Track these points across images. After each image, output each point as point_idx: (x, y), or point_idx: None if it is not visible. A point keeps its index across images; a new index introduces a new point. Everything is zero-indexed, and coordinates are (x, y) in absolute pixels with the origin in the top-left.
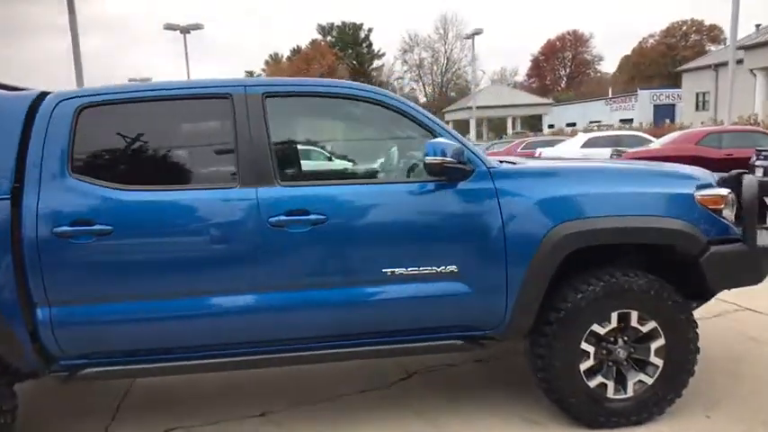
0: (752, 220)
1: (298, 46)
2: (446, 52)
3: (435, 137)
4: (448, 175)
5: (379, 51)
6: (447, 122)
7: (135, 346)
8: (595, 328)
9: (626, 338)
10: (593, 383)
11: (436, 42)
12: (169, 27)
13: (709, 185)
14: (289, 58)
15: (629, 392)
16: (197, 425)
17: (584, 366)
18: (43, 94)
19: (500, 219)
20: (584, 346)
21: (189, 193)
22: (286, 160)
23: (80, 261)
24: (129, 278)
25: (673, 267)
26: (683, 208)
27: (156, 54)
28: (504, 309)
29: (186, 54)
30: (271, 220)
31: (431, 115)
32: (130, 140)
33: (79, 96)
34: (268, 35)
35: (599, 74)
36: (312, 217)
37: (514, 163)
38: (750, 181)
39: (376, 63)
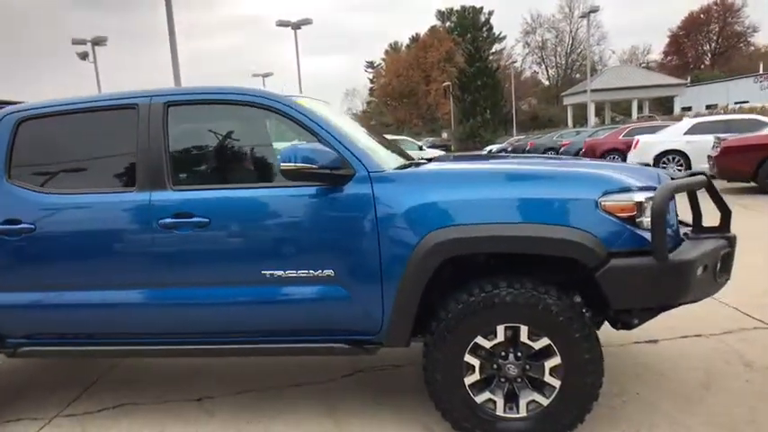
0: (660, 229)
1: (417, 33)
2: (571, 32)
3: (319, 140)
4: (314, 180)
5: (499, 35)
6: (565, 107)
7: (62, 330)
8: (480, 340)
9: (519, 354)
10: (480, 399)
11: (561, 22)
12: (281, 24)
13: (624, 190)
14: (407, 46)
15: (522, 412)
16: (146, 402)
17: (469, 380)
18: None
19: (375, 224)
20: (469, 358)
21: (97, 196)
22: (182, 165)
23: (11, 254)
24: (48, 270)
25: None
26: (577, 214)
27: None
28: (380, 315)
29: (297, 49)
30: (161, 221)
31: (320, 119)
32: (55, 149)
33: (19, 111)
34: (391, 24)
35: (752, 47)
36: (196, 220)
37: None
38: (666, 185)
39: (496, 47)
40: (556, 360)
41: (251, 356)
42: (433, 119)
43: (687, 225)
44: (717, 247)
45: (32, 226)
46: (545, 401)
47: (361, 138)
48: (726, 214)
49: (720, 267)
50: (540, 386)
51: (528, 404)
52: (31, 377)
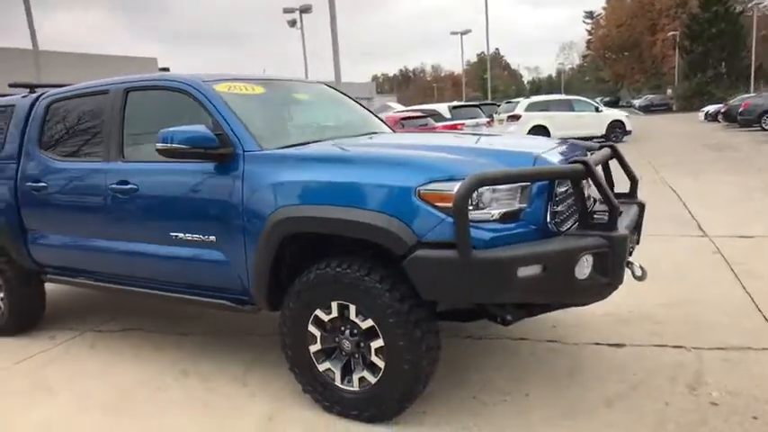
0: (459, 222)
1: None
2: None
3: (213, 122)
4: (189, 158)
5: None
6: None
7: (67, 264)
8: (319, 314)
9: (354, 331)
10: (322, 367)
11: None
12: None
13: (451, 179)
14: None
15: (355, 386)
16: (147, 330)
17: (313, 348)
18: (41, 95)
19: (242, 199)
20: (312, 329)
21: (82, 164)
22: (129, 142)
23: (34, 204)
24: (53, 218)
25: None
26: (391, 201)
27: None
28: (247, 279)
29: (486, 4)
30: (111, 186)
31: (218, 103)
32: (64, 125)
33: (50, 96)
34: None
35: None
36: (129, 187)
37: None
38: (472, 176)
39: None
40: (380, 342)
41: (170, 303)
42: (657, 74)
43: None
44: (573, 247)
45: (44, 184)
46: (373, 380)
47: (271, 118)
48: (613, 211)
49: (593, 269)
50: (370, 364)
51: (360, 380)
52: (86, 301)
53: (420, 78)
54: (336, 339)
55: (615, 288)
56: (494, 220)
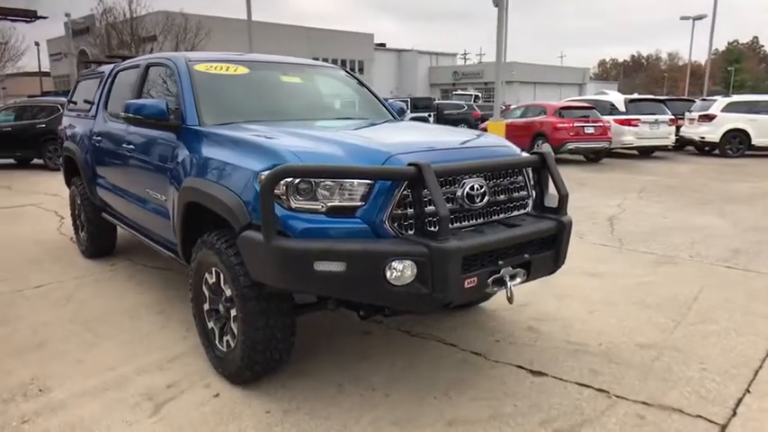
0: (263, 209)
1: None
2: None
3: (178, 97)
4: (147, 127)
5: None
6: None
7: (111, 205)
8: (207, 277)
9: (226, 297)
10: (210, 325)
11: None
12: None
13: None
14: None
15: (224, 347)
16: (174, 269)
17: (206, 307)
18: (116, 65)
19: (175, 165)
20: (205, 290)
21: (117, 124)
22: None
23: (96, 154)
24: (103, 167)
25: None
26: (240, 183)
27: None
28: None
29: None
30: (123, 145)
31: (184, 81)
32: (117, 91)
33: (117, 67)
34: None
35: None
36: (131, 146)
37: None
38: (276, 168)
39: None
40: (235, 311)
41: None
42: None
43: None
44: (377, 250)
45: (100, 138)
46: (233, 344)
47: (231, 97)
48: (442, 221)
49: (416, 277)
50: (231, 330)
51: (227, 342)
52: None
53: (654, 66)
54: (217, 302)
55: (444, 300)
56: (322, 212)
